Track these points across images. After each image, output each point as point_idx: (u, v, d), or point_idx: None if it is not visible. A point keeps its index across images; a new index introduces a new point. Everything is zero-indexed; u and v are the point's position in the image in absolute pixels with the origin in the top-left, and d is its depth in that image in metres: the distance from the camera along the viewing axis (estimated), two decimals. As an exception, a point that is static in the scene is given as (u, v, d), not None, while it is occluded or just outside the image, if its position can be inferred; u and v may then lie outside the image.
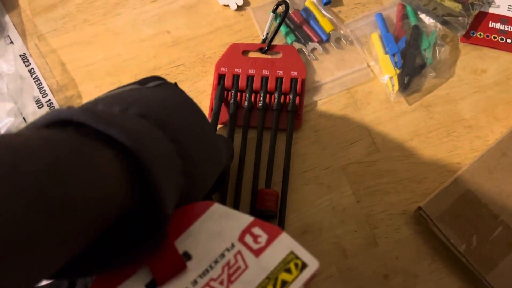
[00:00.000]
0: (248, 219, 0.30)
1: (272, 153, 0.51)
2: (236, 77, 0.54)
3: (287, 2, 0.55)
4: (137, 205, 0.27)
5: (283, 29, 0.56)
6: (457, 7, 0.55)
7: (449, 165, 0.51)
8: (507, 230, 0.46)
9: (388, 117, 0.53)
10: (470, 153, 0.51)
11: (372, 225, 0.49)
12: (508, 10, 0.56)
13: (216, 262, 0.29)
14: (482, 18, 0.56)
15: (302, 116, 0.53)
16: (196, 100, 0.53)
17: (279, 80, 0.53)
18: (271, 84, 0.53)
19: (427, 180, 0.50)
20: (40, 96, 0.55)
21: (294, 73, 0.54)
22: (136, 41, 0.57)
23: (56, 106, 0.55)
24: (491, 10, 0.56)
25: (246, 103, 0.53)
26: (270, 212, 0.48)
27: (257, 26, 0.56)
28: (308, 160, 0.52)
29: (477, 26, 0.55)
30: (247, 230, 0.30)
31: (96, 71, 0.56)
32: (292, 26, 0.56)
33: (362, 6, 0.57)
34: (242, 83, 0.53)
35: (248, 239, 0.30)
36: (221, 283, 0.28)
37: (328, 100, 0.54)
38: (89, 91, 0.55)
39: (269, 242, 0.30)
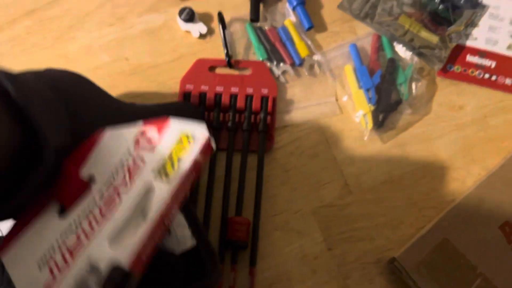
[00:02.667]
0: (137, 127, 0.33)
1: (243, 177, 0.48)
2: (203, 95, 0.50)
3: (220, 13, 0.52)
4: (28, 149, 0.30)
5: (255, 43, 0.52)
6: (434, 39, 0.53)
7: (425, 209, 0.48)
8: (486, 283, 0.43)
9: (362, 157, 0.50)
10: (447, 197, 0.48)
11: (345, 275, 0.46)
12: (486, 43, 0.54)
13: (117, 171, 0.32)
14: (459, 51, 0.53)
15: (274, 136, 0.50)
16: (156, 135, 0.49)
17: (249, 98, 0.50)
18: (240, 102, 0.50)
19: (403, 226, 0.48)
20: (-18, 129, 0.50)
21: (265, 91, 0.50)
22: (91, 68, 0.52)
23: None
24: (469, 43, 0.54)
25: (214, 123, 0.49)
26: (241, 242, 0.45)
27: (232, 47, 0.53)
28: (277, 203, 0.48)
29: (454, 60, 0.53)
30: (139, 136, 0.33)
31: (46, 101, 0.51)
32: (265, 43, 0.53)
33: (335, 35, 0.54)
34: (209, 101, 0.50)
35: (142, 141, 0.33)
36: (125, 184, 0.31)
37: (298, 136, 0.50)
38: (38, 124, 0.50)
39: (160, 134, 0.32)
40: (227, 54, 0.51)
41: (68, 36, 0.54)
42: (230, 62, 0.52)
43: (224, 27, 0.52)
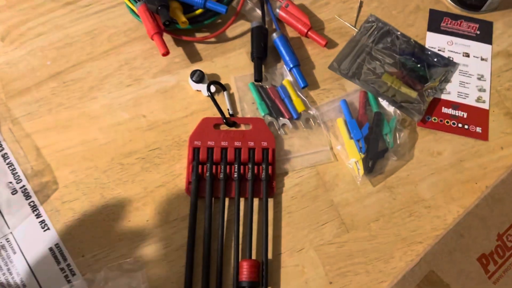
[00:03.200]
0: None
1: (250, 223, 0.54)
2: (210, 150, 0.56)
3: (208, 84, 0.60)
4: None
5: (257, 100, 0.60)
6: (413, 94, 0.61)
7: (413, 244, 0.55)
8: (468, 309, 0.50)
9: (355, 198, 0.56)
10: (431, 232, 0.55)
11: (345, 306, 0.52)
12: (458, 96, 0.62)
13: None
14: (436, 104, 0.61)
15: (275, 183, 0.56)
16: (172, 183, 0.56)
17: (251, 151, 0.57)
18: (244, 155, 0.56)
19: (394, 260, 0.54)
20: (14, 182, 0.55)
21: (265, 143, 0.57)
22: (112, 125, 0.59)
23: (31, 192, 0.55)
24: (443, 97, 0.62)
25: (221, 175, 0.55)
26: (253, 283, 0.51)
27: (237, 100, 0.60)
28: (283, 242, 0.54)
29: (432, 111, 0.61)
30: None
31: (72, 156, 0.57)
32: (267, 100, 0.60)
33: (327, 92, 0.62)
34: (216, 156, 0.56)
35: None
36: None
37: (299, 182, 0.57)
38: (65, 176, 0.56)
39: None
40: (224, 117, 0.58)
41: (90, 96, 0.60)
42: (229, 122, 0.58)
43: (223, 89, 0.60)
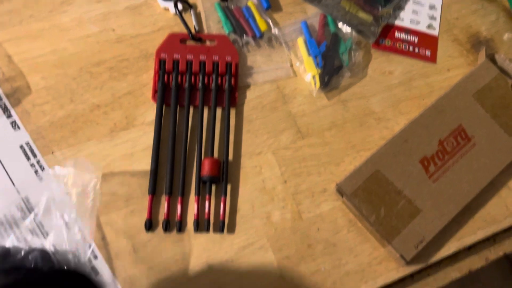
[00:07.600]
0: None
1: (213, 127, 0.58)
2: (176, 62, 0.60)
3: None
4: None
5: (222, 19, 0.63)
6: (369, 18, 0.65)
7: (362, 150, 0.59)
8: (408, 203, 0.54)
9: (311, 110, 0.61)
10: (379, 141, 0.60)
11: (298, 202, 0.56)
12: (410, 23, 0.66)
13: None
14: (389, 28, 0.65)
15: (237, 94, 0.60)
16: (139, 91, 0.59)
17: (215, 63, 0.60)
18: (208, 67, 0.60)
19: (344, 163, 0.58)
20: (-15, 85, 0.57)
21: (228, 58, 0.60)
22: (82, 37, 0.61)
23: (2, 95, 0.57)
24: (397, 22, 0.66)
25: (186, 84, 0.59)
26: (214, 177, 0.55)
27: (203, 19, 0.63)
28: (243, 147, 0.58)
29: (385, 35, 0.65)
30: None
31: (42, 63, 0.59)
32: (232, 19, 0.63)
33: (289, 14, 0.65)
34: (182, 67, 0.59)
35: None
36: None
37: (260, 94, 0.61)
38: (36, 82, 0.58)
39: None
40: (190, 32, 0.61)
41: (61, 10, 0.62)
42: (195, 37, 0.62)
43: (190, 7, 0.63)
